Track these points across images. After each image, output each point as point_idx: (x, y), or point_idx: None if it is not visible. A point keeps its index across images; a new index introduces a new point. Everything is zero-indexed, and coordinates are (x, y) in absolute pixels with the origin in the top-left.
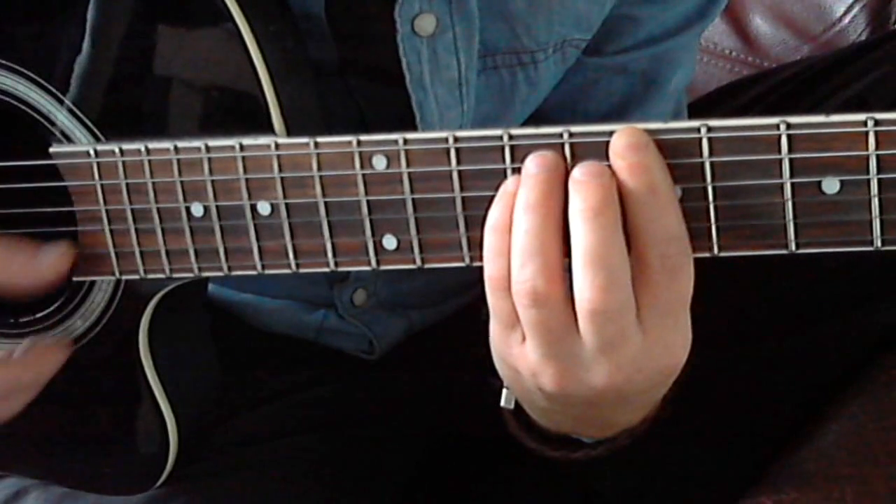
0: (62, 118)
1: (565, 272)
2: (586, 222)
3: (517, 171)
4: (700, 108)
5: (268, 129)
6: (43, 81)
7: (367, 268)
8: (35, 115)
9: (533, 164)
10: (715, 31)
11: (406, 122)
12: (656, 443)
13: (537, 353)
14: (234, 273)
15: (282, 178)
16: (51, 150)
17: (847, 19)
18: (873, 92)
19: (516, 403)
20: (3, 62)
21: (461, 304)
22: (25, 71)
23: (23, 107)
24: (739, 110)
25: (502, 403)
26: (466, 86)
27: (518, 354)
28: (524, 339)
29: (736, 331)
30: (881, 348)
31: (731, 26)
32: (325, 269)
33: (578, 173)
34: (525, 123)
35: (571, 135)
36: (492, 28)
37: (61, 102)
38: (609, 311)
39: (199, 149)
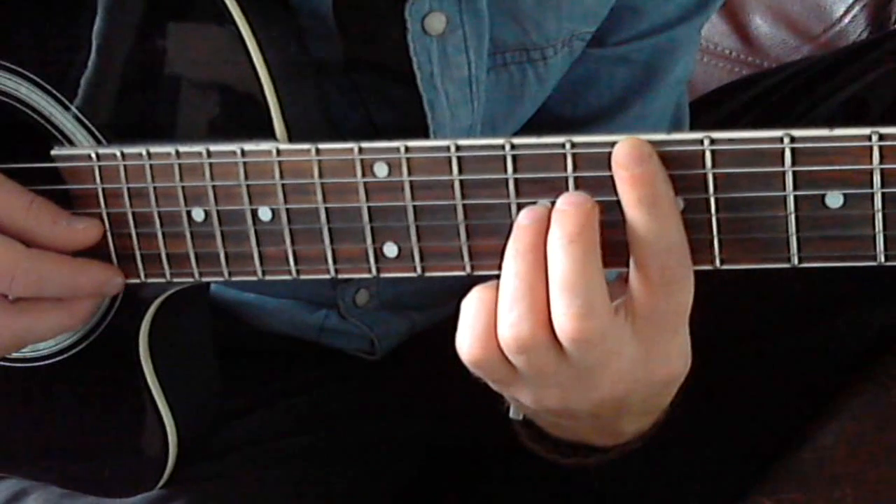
0: (64, 121)
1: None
2: (560, 250)
3: (518, 181)
4: (700, 107)
5: (270, 134)
6: (45, 84)
7: (367, 275)
8: (37, 117)
9: (524, 215)
10: (715, 31)
11: (416, 121)
12: (656, 443)
13: (535, 385)
14: (235, 278)
15: (283, 185)
16: (52, 152)
17: (847, 19)
18: (873, 92)
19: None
20: (5, 64)
21: None
22: (28, 73)
23: (25, 109)
24: (739, 110)
25: (511, 416)
26: (477, 84)
27: (518, 389)
28: (520, 377)
29: (736, 331)
30: (881, 349)
31: (731, 26)
32: (326, 276)
33: (560, 202)
34: (528, 121)
35: (574, 145)
36: (501, 25)
37: (64, 105)
38: (587, 339)
39: (200, 153)
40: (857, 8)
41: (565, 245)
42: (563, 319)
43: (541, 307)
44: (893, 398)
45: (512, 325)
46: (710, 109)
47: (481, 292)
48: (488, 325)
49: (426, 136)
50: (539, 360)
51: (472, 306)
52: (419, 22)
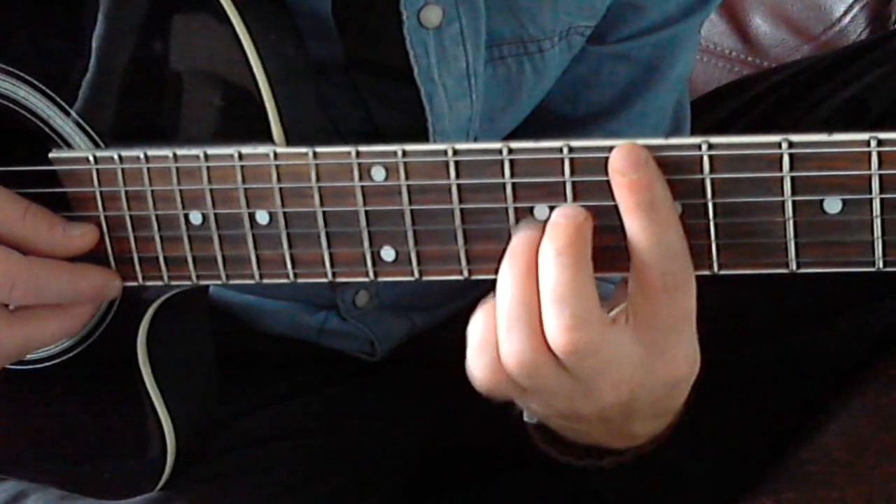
0: (63, 124)
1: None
2: (551, 262)
3: (515, 185)
4: (700, 107)
5: (268, 137)
6: (45, 88)
7: (364, 279)
8: (35, 120)
9: (517, 237)
10: (715, 31)
11: (415, 116)
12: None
13: (543, 397)
14: (233, 281)
15: (280, 188)
16: (50, 155)
17: (847, 19)
18: (873, 92)
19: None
20: (4, 67)
21: (464, 306)
22: (27, 76)
23: (23, 112)
24: (739, 110)
25: (525, 419)
26: (475, 76)
27: (528, 399)
28: (528, 391)
29: (736, 331)
30: (880, 349)
31: (731, 26)
32: (323, 280)
33: (555, 215)
34: (528, 118)
35: (571, 149)
36: (497, 18)
37: (63, 109)
38: (579, 350)
39: (197, 157)
40: (856, 8)
41: (555, 257)
42: (555, 332)
43: (539, 328)
44: (893, 398)
45: (514, 353)
46: (710, 109)
47: (486, 317)
48: (495, 351)
49: (425, 130)
50: (543, 379)
51: (477, 332)
52: (415, 15)
